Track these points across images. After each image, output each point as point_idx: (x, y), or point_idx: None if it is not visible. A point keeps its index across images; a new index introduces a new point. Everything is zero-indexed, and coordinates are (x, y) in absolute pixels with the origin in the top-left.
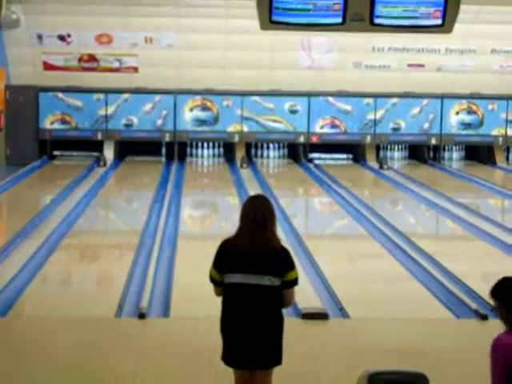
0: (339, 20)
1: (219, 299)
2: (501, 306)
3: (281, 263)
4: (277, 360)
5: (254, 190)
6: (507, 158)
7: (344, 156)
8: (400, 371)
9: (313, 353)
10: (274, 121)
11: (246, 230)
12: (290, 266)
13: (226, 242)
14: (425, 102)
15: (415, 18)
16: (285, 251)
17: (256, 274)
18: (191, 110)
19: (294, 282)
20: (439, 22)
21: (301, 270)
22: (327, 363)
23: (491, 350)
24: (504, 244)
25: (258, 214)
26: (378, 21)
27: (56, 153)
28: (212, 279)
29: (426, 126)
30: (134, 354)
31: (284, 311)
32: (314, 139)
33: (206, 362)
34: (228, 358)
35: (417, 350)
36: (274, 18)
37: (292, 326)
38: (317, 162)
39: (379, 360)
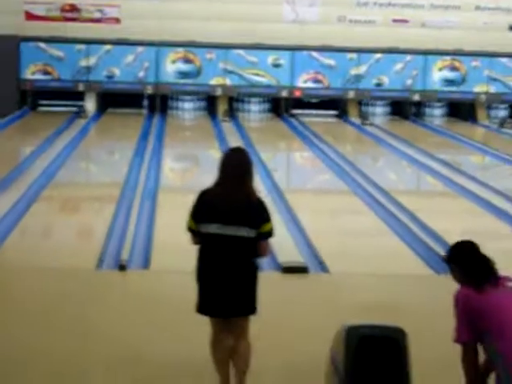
0: None
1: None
2: (456, 270)
3: (257, 215)
4: (252, 308)
5: (235, 143)
6: (488, 116)
7: (327, 111)
8: (378, 325)
9: (292, 306)
10: (257, 74)
11: (223, 181)
12: (266, 218)
13: (204, 193)
14: (408, 58)
15: None
16: (261, 203)
17: (232, 225)
18: (173, 62)
19: (269, 233)
20: None
21: (282, 225)
22: (306, 316)
23: (454, 301)
24: (484, 201)
25: (236, 166)
26: None
27: (37, 103)
28: (189, 228)
29: (409, 82)
30: (114, 305)
31: (264, 265)
32: (297, 93)
33: (185, 314)
34: (204, 307)
35: (396, 306)
36: None
37: (272, 279)
38: (299, 115)
39: (358, 315)
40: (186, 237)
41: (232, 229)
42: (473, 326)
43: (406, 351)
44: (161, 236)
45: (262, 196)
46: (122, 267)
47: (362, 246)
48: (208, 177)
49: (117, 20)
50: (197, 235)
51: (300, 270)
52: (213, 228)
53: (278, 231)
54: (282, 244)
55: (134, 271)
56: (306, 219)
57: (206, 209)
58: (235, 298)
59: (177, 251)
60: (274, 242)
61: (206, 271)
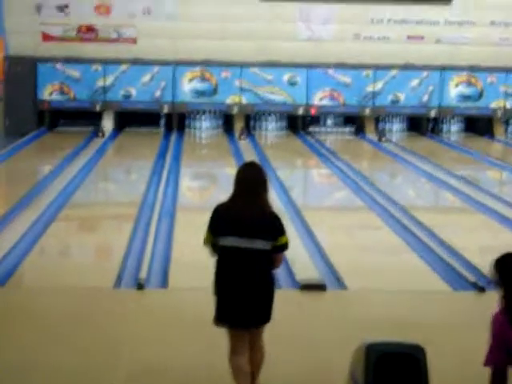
0: None
1: None
2: (498, 282)
3: (272, 229)
4: (268, 317)
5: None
6: (506, 131)
7: (343, 128)
8: (397, 342)
9: (310, 323)
10: (273, 92)
11: (238, 196)
12: (281, 231)
13: (220, 207)
14: (424, 74)
15: None
16: (275, 216)
17: (247, 237)
18: (190, 81)
19: (285, 246)
20: None
21: (299, 242)
22: (324, 334)
23: (491, 322)
24: (502, 216)
25: (251, 181)
26: None
27: (55, 123)
28: (206, 242)
29: (426, 98)
30: (133, 324)
31: (282, 282)
32: (313, 111)
33: (204, 333)
34: (223, 317)
35: (414, 322)
36: None
37: (290, 297)
38: (315, 132)
39: (376, 331)
40: (204, 255)
41: (248, 241)
42: (506, 350)
43: (425, 368)
44: (178, 254)
45: (278, 212)
46: (140, 286)
47: (380, 263)
48: (225, 195)
49: (133, 40)
50: (214, 248)
51: (318, 287)
52: (229, 241)
53: (296, 248)
54: (300, 261)
55: (151, 290)
56: (323, 236)
57: (221, 222)
58: (255, 308)
59: (194, 269)
60: (291, 258)
61: (224, 283)
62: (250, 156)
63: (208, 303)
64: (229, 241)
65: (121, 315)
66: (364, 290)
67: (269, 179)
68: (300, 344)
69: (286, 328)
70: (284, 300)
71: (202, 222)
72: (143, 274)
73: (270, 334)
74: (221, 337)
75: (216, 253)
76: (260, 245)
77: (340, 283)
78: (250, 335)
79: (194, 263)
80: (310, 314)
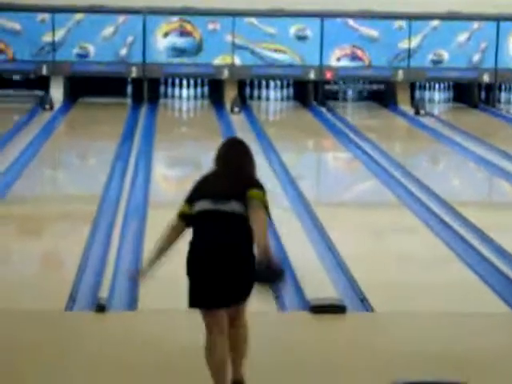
0: None
1: None
2: None
3: (245, 185)
4: (249, 291)
5: (248, 141)
6: None
7: (368, 97)
8: (437, 382)
9: (326, 356)
10: (276, 50)
11: (220, 174)
12: (254, 185)
13: (200, 179)
14: (475, 25)
15: None
16: (256, 180)
17: (222, 200)
18: (166, 35)
19: (260, 201)
20: None
21: (310, 249)
22: (344, 369)
23: None
24: None
25: (235, 156)
26: None
27: None
28: (179, 213)
29: (477, 57)
30: (91, 355)
31: (288, 302)
32: (329, 75)
33: (180, 363)
34: (198, 299)
35: (459, 354)
36: None
37: (299, 321)
38: (332, 105)
39: (409, 366)
40: (182, 264)
41: (222, 204)
42: None
43: None
44: None
45: (285, 210)
46: (101, 307)
47: (416, 277)
48: None
49: None
50: (184, 219)
51: (335, 308)
52: (202, 205)
53: (305, 257)
54: (311, 274)
55: (115, 313)
56: (342, 241)
57: (200, 193)
58: (235, 281)
59: (171, 285)
60: (300, 271)
61: (199, 256)
62: (245, 135)
63: (188, 328)
64: (202, 205)
65: (75, 345)
66: (394, 313)
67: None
68: (312, 380)
69: (295, 360)
70: (291, 325)
71: None
72: (104, 292)
73: (275, 366)
74: (198, 368)
75: (178, 225)
76: (235, 206)
77: (364, 304)
78: (230, 312)
79: (171, 278)
80: (325, 343)
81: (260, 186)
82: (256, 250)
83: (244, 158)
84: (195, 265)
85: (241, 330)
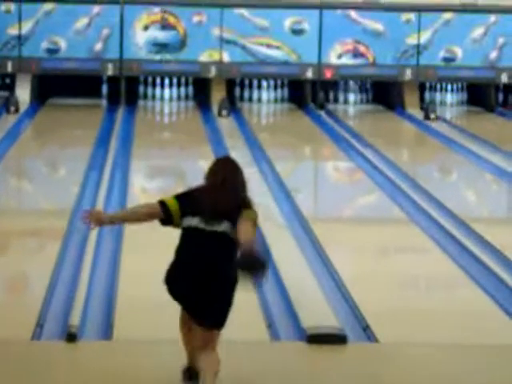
0: None
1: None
2: None
3: (239, 207)
4: (218, 322)
5: (238, 149)
6: None
7: (372, 99)
8: None
9: None
10: (269, 46)
11: (215, 191)
12: (247, 206)
13: (197, 191)
14: (492, 18)
15: None
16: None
17: (216, 220)
18: (146, 28)
19: (251, 220)
20: None
21: (307, 270)
22: None
23: None
24: None
25: (230, 175)
26: None
27: None
28: (164, 202)
29: (494, 55)
30: None
31: (283, 331)
32: (328, 74)
33: None
34: (170, 282)
35: None
36: None
37: (295, 352)
38: (331, 107)
39: None
40: (163, 289)
41: (212, 225)
42: None
43: None
44: (127, 290)
45: (279, 226)
46: (72, 336)
47: (426, 303)
48: None
49: None
50: (164, 213)
51: (335, 338)
52: (194, 221)
53: (302, 280)
54: (308, 300)
55: (88, 342)
56: (342, 261)
57: (191, 203)
58: (199, 297)
59: (151, 312)
60: (295, 295)
61: (182, 257)
62: (234, 141)
63: (167, 359)
64: (194, 221)
65: (43, 378)
66: (400, 344)
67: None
68: None
69: None
70: (286, 357)
71: (161, 241)
72: (76, 320)
73: None
74: None
75: (153, 213)
76: (227, 227)
77: (366, 333)
78: (196, 334)
79: (149, 303)
80: (323, 377)
81: (252, 208)
82: (241, 244)
83: (238, 178)
84: (176, 277)
85: (209, 357)
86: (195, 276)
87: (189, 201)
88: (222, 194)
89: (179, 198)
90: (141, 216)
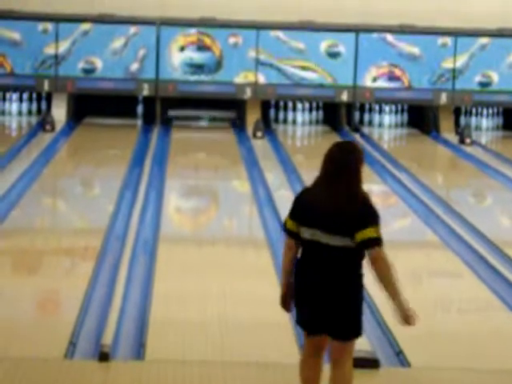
0: None
1: (214, 337)
2: None
3: (354, 220)
4: (350, 329)
5: (272, 170)
6: None
7: (407, 122)
8: None
9: None
10: (305, 68)
11: (321, 180)
12: (364, 222)
13: (303, 192)
14: None
15: None
16: (364, 206)
17: (327, 232)
18: (182, 49)
19: (372, 240)
20: None
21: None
22: None
23: None
24: None
25: (335, 162)
26: None
27: None
28: (285, 229)
29: None
30: None
31: None
32: (364, 96)
33: None
34: (298, 318)
35: None
36: None
37: (325, 377)
38: (367, 130)
39: None
40: (196, 310)
41: (326, 237)
42: None
43: None
44: (160, 310)
45: None
46: (104, 356)
47: (459, 327)
48: (231, 221)
49: None
50: (295, 239)
51: (367, 362)
52: (308, 233)
53: None
54: None
55: (120, 362)
56: (374, 285)
57: (302, 210)
58: (330, 314)
59: (183, 332)
60: None
61: (301, 280)
62: (268, 163)
63: (199, 380)
64: (309, 233)
65: None
66: (433, 369)
67: (362, 162)
68: None
69: None
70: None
71: (195, 260)
72: (108, 339)
73: None
74: None
75: (291, 245)
76: (338, 241)
77: (399, 358)
78: (331, 347)
79: (183, 323)
80: None
81: (368, 219)
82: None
83: (345, 163)
84: (298, 289)
85: (340, 371)
86: (314, 295)
87: (299, 211)
88: (328, 193)
89: (292, 210)
90: (292, 259)
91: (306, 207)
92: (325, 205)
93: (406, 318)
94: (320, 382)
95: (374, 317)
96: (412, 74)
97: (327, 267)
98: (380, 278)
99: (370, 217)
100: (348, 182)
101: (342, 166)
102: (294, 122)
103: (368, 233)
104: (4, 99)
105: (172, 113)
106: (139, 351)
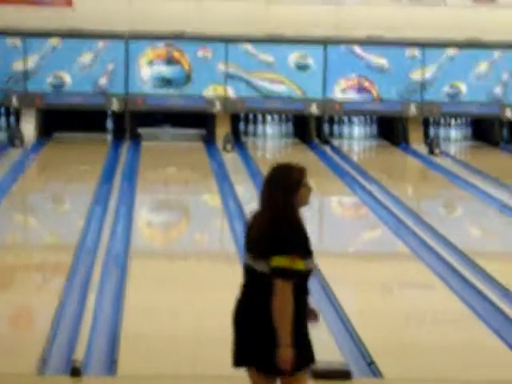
0: None
1: (186, 351)
2: None
3: (268, 245)
4: (264, 362)
5: (242, 183)
6: None
7: (376, 134)
8: None
9: None
10: (274, 81)
11: (259, 205)
12: (274, 249)
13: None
14: (496, 54)
15: None
16: (281, 231)
17: (252, 256)
18: (151, 63)
19: (274, 270)
20: None
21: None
22: None
23: None
24: None
25: (266, 181)
26: None
27: None
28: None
29: (499, 90)
30: None
31: None
32: (334, 109)
33: None
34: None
35: None
36: None
37: None
38: (336, 143)
39: None
40: (168, 324)
41: (252, 261)
42: None
43: None
44: (132, 325)
45: None
46: (76, 371)
47: (431, 338)
48: (203, 235)
49: (68, 2)
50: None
51: (339, 374)
52: (244, 257)
53: None
54: (313, 334)
55: (92, 377)
56: (346, 297)
57: (245, 235)
58: (250, 345)
59: (153, 349)
60: None
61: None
62: (239, 177)
63: None
64: (245, 257)
65: None
66: (406, 380)
67: (297, 185)
68: None
69: None
70: None
71: (166, 274)
72: (80, 354)
73: None
74: None
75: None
76: (260, 266)
77: (371, 368)
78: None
79: (155, 337)
80: None
81: (283, 247)
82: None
83: (274, 180)
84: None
85: None
86: (240, 321)
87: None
88: (260, 215)
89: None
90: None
91: (246, 232)
92: (253, 228)
93: (279, 360)
94: None
95: (344, 327)
96: (381, 86)
97: (249, 291)
98: (272, 312)
99: (284, 244)
100: (274, 206)
101: (271, 189)
102: (264, 134)
103: (274, 261)
104: None
105: (141, 131)
106: (111, 366)
